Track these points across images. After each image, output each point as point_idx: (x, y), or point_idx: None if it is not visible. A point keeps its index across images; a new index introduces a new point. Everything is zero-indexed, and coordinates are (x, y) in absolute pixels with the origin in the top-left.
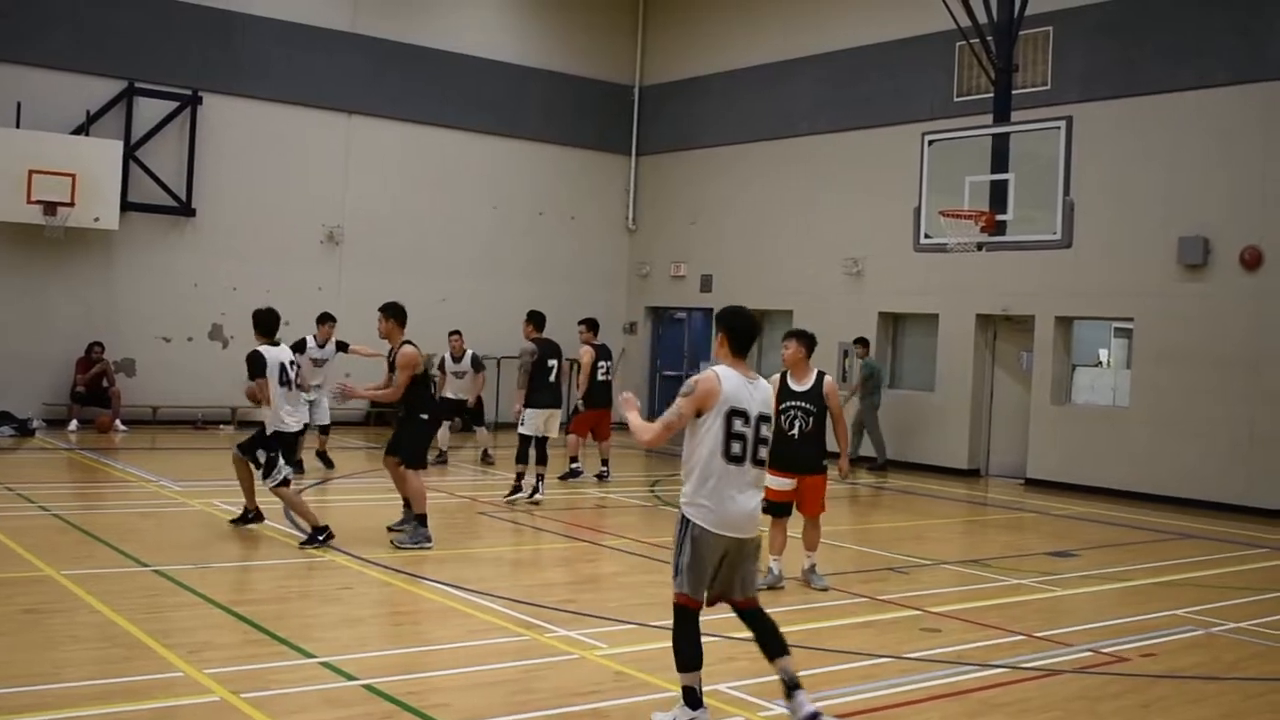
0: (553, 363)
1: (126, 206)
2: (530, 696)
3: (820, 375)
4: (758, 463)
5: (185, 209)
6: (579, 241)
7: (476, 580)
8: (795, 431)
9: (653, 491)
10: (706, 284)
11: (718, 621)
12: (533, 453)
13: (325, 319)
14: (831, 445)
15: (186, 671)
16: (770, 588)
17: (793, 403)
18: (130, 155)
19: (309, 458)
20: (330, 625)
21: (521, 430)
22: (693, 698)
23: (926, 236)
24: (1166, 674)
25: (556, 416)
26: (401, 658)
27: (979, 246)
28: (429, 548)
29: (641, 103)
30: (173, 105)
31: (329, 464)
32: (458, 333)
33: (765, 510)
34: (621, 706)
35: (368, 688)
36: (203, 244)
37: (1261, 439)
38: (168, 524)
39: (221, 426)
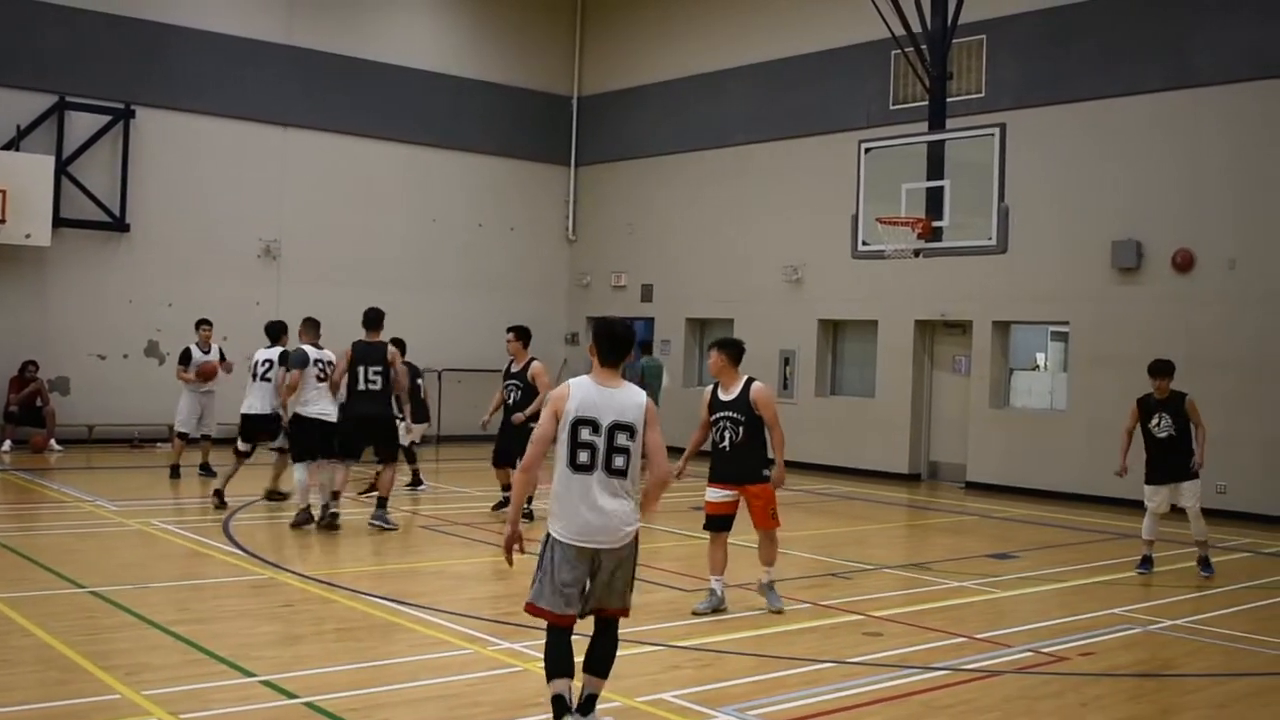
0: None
1: (59, 222)
2: (475, 710)
3: (748, 382)
4: (613, 472)
5: (119, 224)
6: (519, 252)
7: (419, 595)
8: (726, 443)
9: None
10: (647, 293)
11: (661, 631)
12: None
13: (203, 323)
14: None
15: (125, 694)
16: (713, 610)
17: (722, 413)
18: (62, 170)
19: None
20: (271, 643)
21: None
22: (560, 706)
23: (864, 244)
24: (1105, 672)
25: None
26: (344, 674)
27: (916, 253)
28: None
29: (580, 113)
30: (105, 119)
31: (211, 473)
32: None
33: (704, 526)
34: None
35: (310, 705)
36: (137, 260)
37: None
38: (105, 544)
39: (158, 445)
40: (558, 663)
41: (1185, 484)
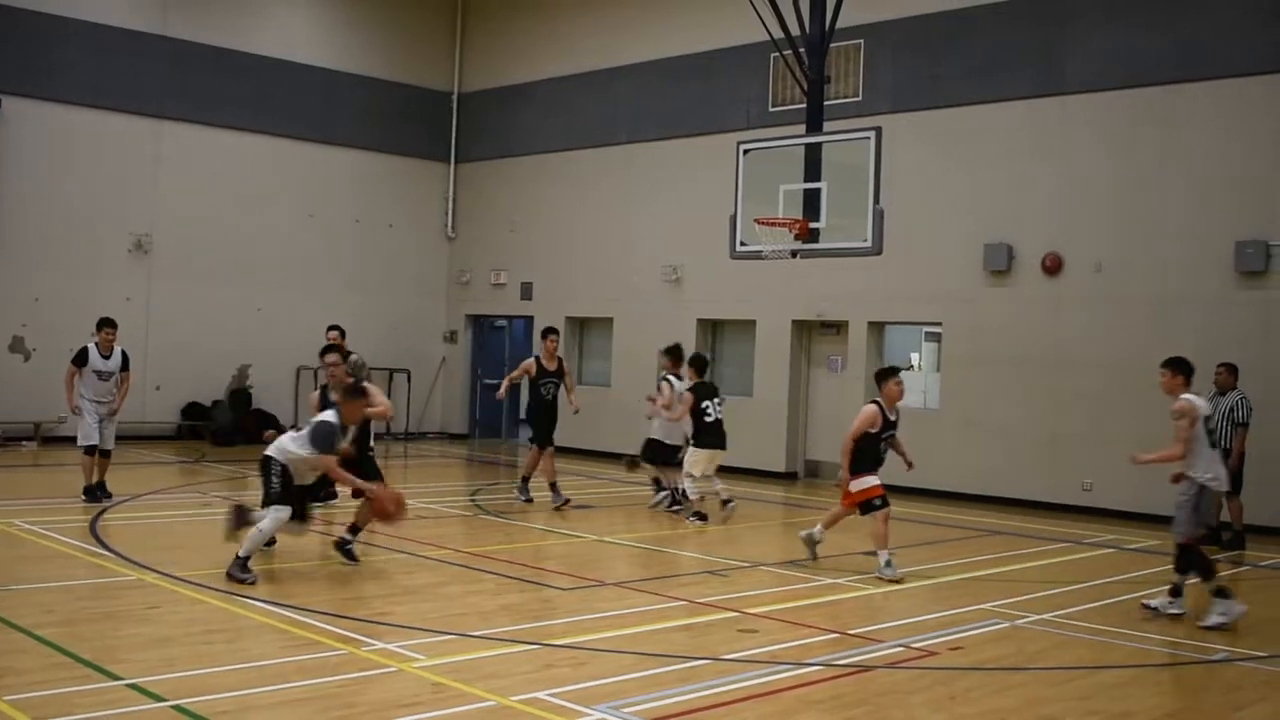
0: (706, 404)
1: None
2: (348, 711)
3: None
4: None
5: None
6: (398, 250)
7: (292, 595)
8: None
9: (473, 500)
10: (527, 292)
11: (536, 630)
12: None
13: (106, 324)
14: None
15: None
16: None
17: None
18: None
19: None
20: (138, 646)
21: (689, 470)
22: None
23: (742, 244)
24: (973, 666)
25: (719, 457)
26: (213, 677)
27: (793, 254)
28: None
29: (460, 109)
30: None
31: (108, 495)
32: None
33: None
34: (440, 718)
35: (178, 709)
36: (3, 252)
37: (1060, 438)
38: None
39: (24, 443)
40: None
41: None
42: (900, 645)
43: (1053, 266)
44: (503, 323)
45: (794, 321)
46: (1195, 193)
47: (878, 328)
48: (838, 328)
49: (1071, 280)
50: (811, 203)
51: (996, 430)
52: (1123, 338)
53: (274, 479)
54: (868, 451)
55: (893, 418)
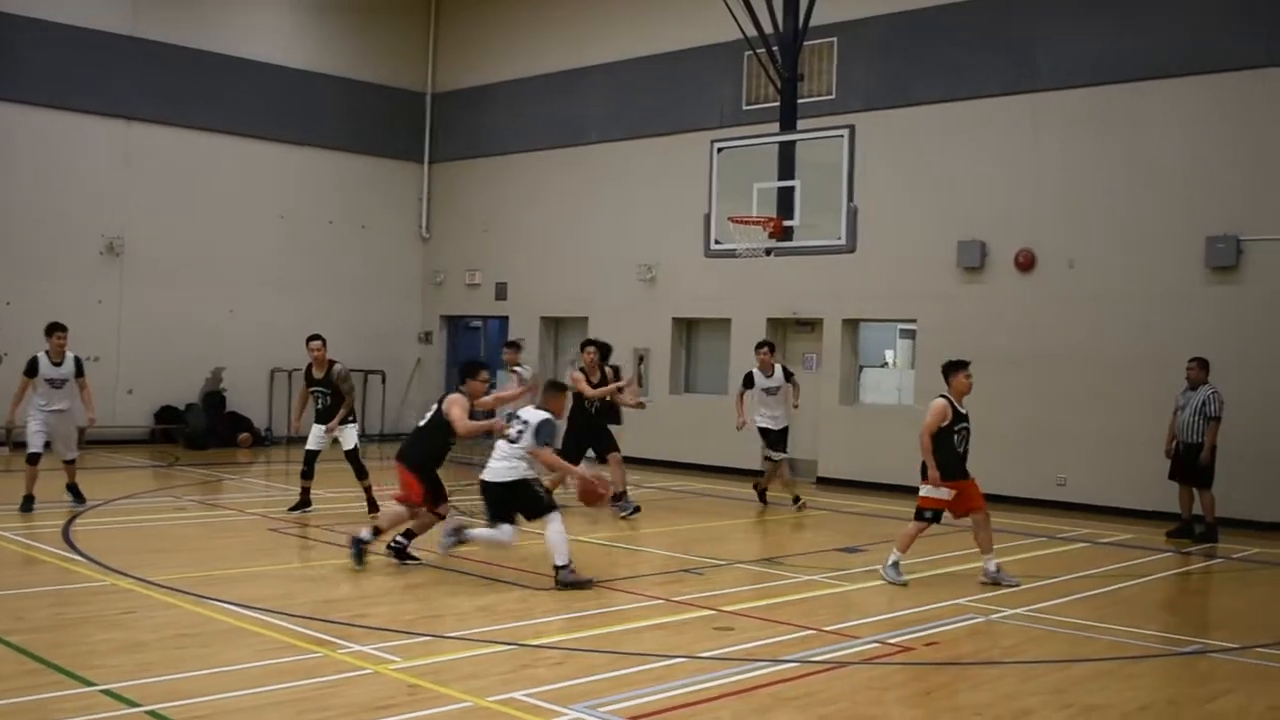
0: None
1: None
2: (323, 714)
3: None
4: None
5: None
6: (372, 251)
7: (266, 599)
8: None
9: (450, 501)
10: (501, 292)
11: (512, 630)
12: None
13: (55, 329)
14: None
15: None
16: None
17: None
18: None
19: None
20: (112, 651)
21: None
22: None
23: (716, 243)
24: (949, 661)
25: None
26: (188, 681)
27: (767, 252)
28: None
29: (434, 110)
30: None
31: (81, 500)
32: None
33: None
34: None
35: (152, 714)
36: None
37: (1035, 433)
38: None
39: None
40: None
41: None
42: (875, 641)
43: (1025, 263)
44: (478, 323)
45: (769, 319)
46: (1166, 189)
47: (853, 325)
48: (812, 325)
49: (1044, 277)
50: (785, 201)
51: (972, 426)
52: (1096, 333)
53: (538, 489)
54: (944, 447)
55: (964, 411)
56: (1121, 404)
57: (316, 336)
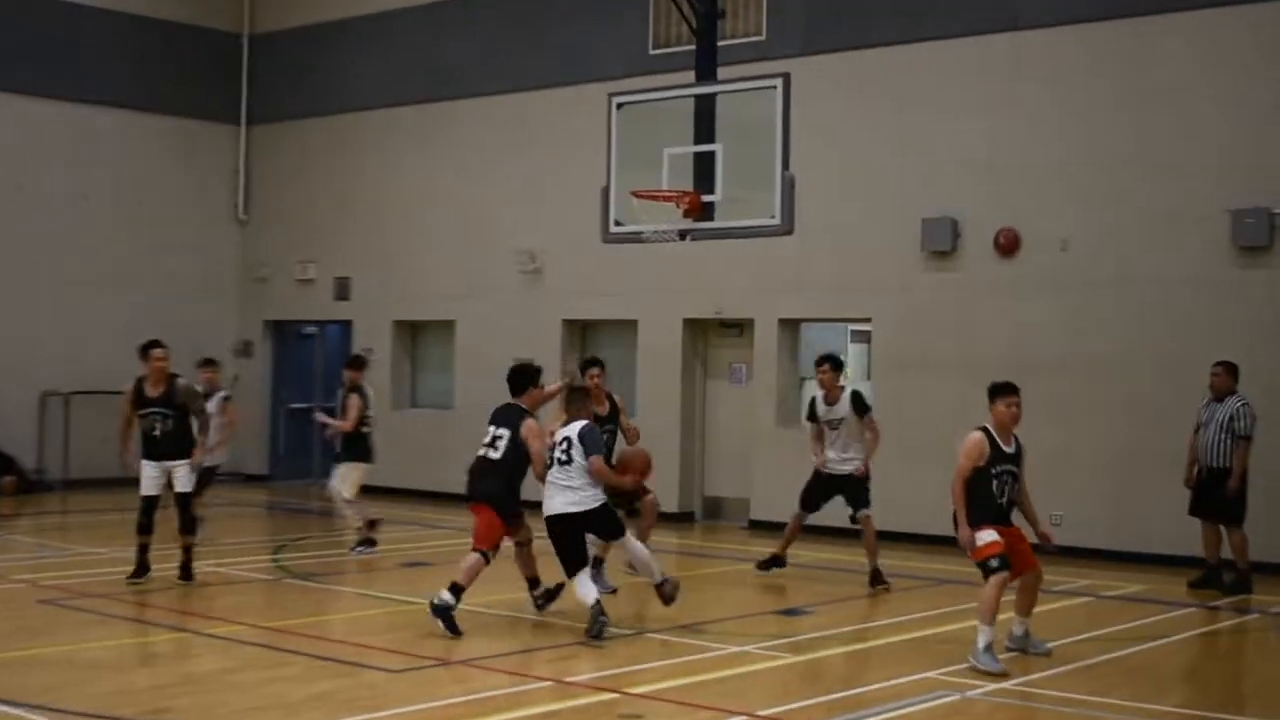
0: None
1: None
2: None
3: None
4: None
5: None
6: (173, 237)
7: (38, 691)
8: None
9: (276, 561)
10: (342, 289)
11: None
12: None
13: None
14: None
15: None
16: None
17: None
18: None
19: None
20: None
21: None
22: None
23: (617, 224)
24: None
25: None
26: None
27: (682, 235)
28: None
29: (253, 55)
30: None
31: None
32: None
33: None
34: None
35: None
36: None
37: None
38: None
39: None
40: None
41: None
42: None
43: (1008, 245)
44: (312, 329)
45: (686, 321)
46: (1180, 150)
47: (791, 326)
48: (741, 328)
49: (1031, 262)
50: (704, 171)
51: (941, 451)
52: (1095, 332)
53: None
54: (979, 493)
55: (1010, 449)
56: (1129, 421)
57: (158, 343)
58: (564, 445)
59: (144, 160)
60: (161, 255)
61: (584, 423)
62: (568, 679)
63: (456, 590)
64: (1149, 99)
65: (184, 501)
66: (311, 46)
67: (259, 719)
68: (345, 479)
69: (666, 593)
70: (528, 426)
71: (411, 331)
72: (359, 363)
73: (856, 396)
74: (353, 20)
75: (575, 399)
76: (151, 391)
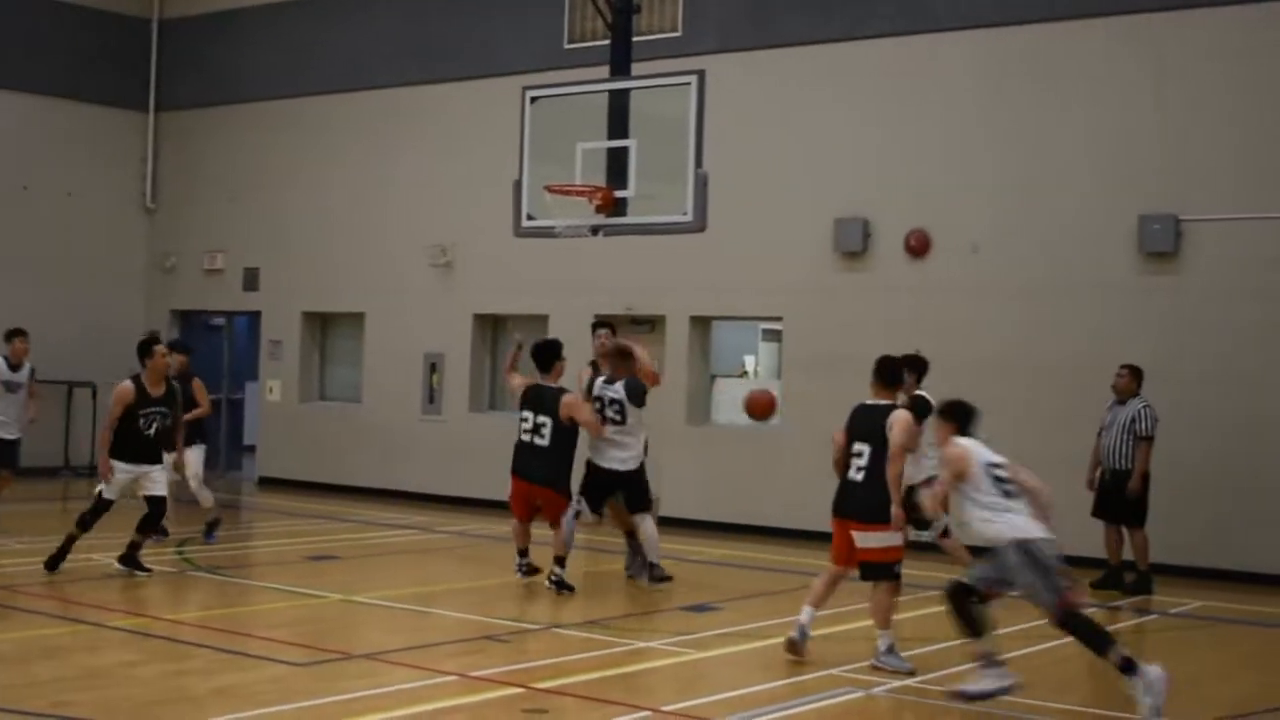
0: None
1: None
2: None
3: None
4: None
5: None
6: (78, 226)
7: None
8: None
9: (180, 553)
10: (251, 280)
11: (272, 715)
12: None
13: None
14: None
15: None
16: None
17: None
18: None
19: None
20: None
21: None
22: None
23: (530, 219)
24: None
25: None
26: None
27: (595, 231)
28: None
29: (162, 40)
30: None
31: None
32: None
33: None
34: None
35: None
36: None
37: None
38: None
39: None
40: None
41: None
42: None
43: (919, 247)
44: (220, 320)
45: (597, 316)
46: (1090, 156)
47: (703, 324)
48: (652, 324)
49: (941, 264)
50: (617, 166)
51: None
52: (1003, 334)
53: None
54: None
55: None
56: (1033, 422)
57: (158, 339)
58: (615, 406)
59: (48, 146)
60: (67, 244)
61: (625, 379)
62: (474, 673)
63: (561, 562)
64: (1059, 104)
65: (160, 506)
66: (222, 33)
67: (162, 713)
68: (200, 462)
69: (657, 574)
70: (565, 404)
71: (321, 323)
72: (188, 348)
73: (918, 397)
74: (264, 7)
75: (619, 360)
76: (153, 390)
